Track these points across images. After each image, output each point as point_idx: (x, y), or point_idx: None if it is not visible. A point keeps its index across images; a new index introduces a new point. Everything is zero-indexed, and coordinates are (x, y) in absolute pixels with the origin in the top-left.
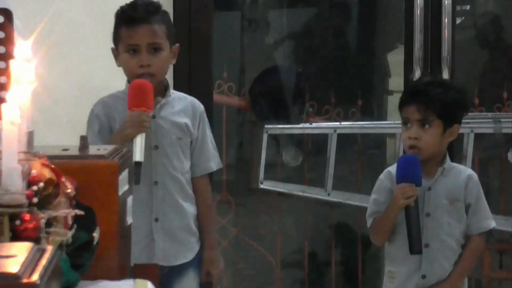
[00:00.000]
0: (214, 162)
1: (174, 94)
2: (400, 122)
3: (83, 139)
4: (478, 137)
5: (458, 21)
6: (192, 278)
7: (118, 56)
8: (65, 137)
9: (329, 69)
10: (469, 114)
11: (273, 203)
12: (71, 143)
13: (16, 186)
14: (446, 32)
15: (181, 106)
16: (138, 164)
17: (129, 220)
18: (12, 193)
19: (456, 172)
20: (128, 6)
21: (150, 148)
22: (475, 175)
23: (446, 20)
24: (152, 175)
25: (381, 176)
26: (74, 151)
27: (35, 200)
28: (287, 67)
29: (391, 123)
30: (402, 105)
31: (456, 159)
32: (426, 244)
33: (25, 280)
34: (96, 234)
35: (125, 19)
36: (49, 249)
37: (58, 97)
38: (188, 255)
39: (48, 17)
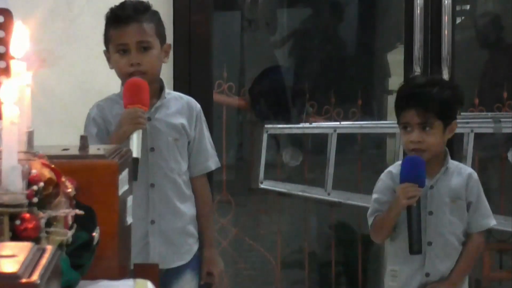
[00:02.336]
0: (212, 162)
1: (170, 94)
2: None
3: (83, 139)
4: (478, 137)
5: (458, 21)
6: (190, 280)
7: (109, 58)
8: (65, 137)
9: (329, 69)
10: (469, 114)
11: (273, 203)
12: (71, 143)
13: (16, 186)
14: (446, 32)
15: (177, 106)
16: (135, 160)
17: (129, 220)
18: (12, 193)
19: (457, 171)
20: (117, 6)
21: (146, 150)
22: (475, 174)
23: (446, 20)
24: (148, 177)
25: (382, 176)
26: (74, 151)
27: (35, 200)
28: (287, 67)
29: (391, 123)
30: (400, 109)
31: (456, 159)
32: (429, 242)
33: (25, 280)
34: (96, 234)
35: (113, 19)
36: (49, 249)
37: (58, 97)
38: (186, 257)
39: (48, 17)
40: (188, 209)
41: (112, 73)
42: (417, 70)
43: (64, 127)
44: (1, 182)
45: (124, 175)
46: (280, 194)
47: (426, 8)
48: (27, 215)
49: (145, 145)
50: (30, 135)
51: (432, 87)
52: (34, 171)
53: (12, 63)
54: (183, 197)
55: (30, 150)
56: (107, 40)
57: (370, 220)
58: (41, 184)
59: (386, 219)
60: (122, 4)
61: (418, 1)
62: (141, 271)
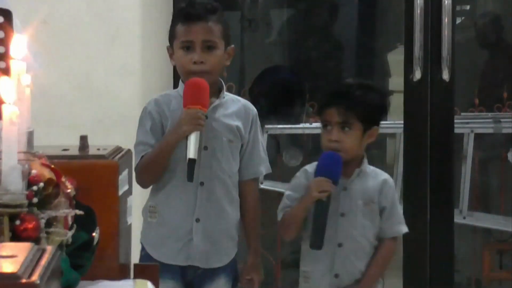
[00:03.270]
0: (263, 167)
1: (227, 96)
2: (401, 122)
3: (83, 139)
4: (478, 137)
5: (458, 21)
6: (224, 283)
7: (172, 55)
8: (65, 137)
9: (329, 69)
10: (469, 114)
11: (273, 203)
12: (71, 143)
13: (16, 186)
14: (446, 32)
15: (234, 108)
16: (191, 161)
17: (129, 220)
18: (12, 193)
19: (373, 175)
20: (187, 4)
21: (199, 148)
22: (391, 180)
23: (446, 20)
24: (198, 176)
25: (298, 174)
26: (74, 151)
27: (35, 200)
28: (287, 67)
29: (391, 123)
30: (323, 107)
31: (456, 159)
32: (339, 244)
33: (25, 280)
34: (96, 234)
35: (182, 16)
36: (49, 249)
37: (58, 97)
38: (224, 260)
39: (48, 17)
40: (234, 211)
41: (112, 73)
42: (417, 70)
43: (64, 127)
44: (1, 182)
45: (124, 175)
46: (280, 194)
47: (426, 8)
48: (27, 216)
49: (200, 144)
50: (30, 135)
51: (357, 89)
52: (34, 171)
53: (12, 63)
54: (231, 199)
55: (30, 150)
56: (172, 36)
57: (279, 216)
58: (41, 184)
59: (294, 213)
60: (192, 2)
61: (418, 1)
62: (141, 271)
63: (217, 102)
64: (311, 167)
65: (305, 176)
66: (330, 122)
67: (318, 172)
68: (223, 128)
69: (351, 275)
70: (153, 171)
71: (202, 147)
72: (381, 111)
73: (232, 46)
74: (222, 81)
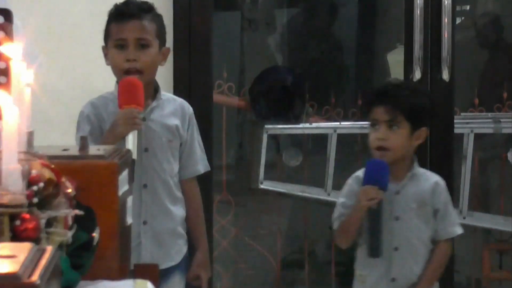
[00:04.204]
0: (202, 165)
1: (164, 96)
2: None
3: (83, 139)
4: (478, 137)
5: (458, 21)
6: (179, 281)
7: (107, 55)
8: (65, 137)
9: (329, 69)
10: (469, 114)
11: (273, 203)
12: (71, 143)
13: (16, 186)
14: (446, 32)
15: (171, 108)
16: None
17: (129, 220)
18: (12, 193)
19: (424, 178)
20: (121, 3)
21: (140, 150)
22: (442, 182)
23: (446, 20)
24: (141, 178)
25: (349, 180)
26: (74, 151)
27: (35, 200)
28: (287, 67)
29: None
30: (370, 106)
31: (456, 159)
32: (395, 248)
33: (25, 280)
34: (96, 234)
35: (115, 15)
36: (49, 249)
37: (58, 97)
38: (176, 258)
39: (48, 17)
40: (178, 210)
41: (112, 73)
42: (417, 70)
43: (64, 127)
44: (1, 182)
45: (124, 175)
46: (280, 194)
47: (426, 8)
48: (27, 216)
49: (139, 146)
50: (30, 135)
51: (405, 89)
52: (34, 172)
53: (12, 63)
54: (174, 199)
55: (30, 150)
56: (106, 35)
57: (335, 224)
58: (41, 184)
59: (349, 222)
60: (126, 1)
61: (418, 1)
62: (141, 271)
63: (154, 103)
64: (362, 172)
65: (357, 182)
66: (378, 121)
67: (365, 181)
68: (162, 129)
69: (408, 279)
70: None
71: (143, 149)
72: (429, 113)
73: (168, 47)
74: (157, 82)
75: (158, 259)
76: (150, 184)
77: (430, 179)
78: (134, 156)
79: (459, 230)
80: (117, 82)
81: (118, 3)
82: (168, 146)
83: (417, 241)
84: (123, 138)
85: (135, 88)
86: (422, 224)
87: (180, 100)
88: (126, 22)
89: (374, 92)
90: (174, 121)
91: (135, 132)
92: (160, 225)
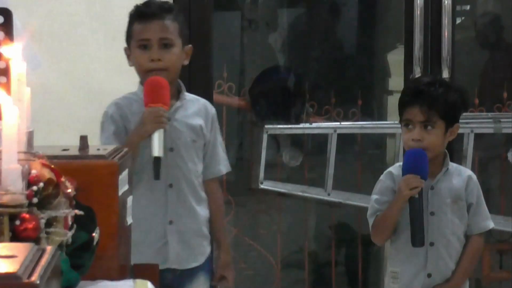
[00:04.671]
0: (223, 166)
1: (187, 96)
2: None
3: (83, 139)
4: (478, 137)
5: (458, 21)
6: (203, 282)
7: (130, 56)
8: (65, 137)
9: (329, 69)
10: (469, 114)
11: (273, 203)
12: (71, 143)
13: (16, 186)
14: (446, 32)
15: (194, 108)
16: (157, 159)
17: (129, 220)
18: (12, 193)
19: (457, 172)
20: (142, 4)
21: (165, 150)
22: (474, 176)
23: (446, 20)
24: (167, 177)
25: (382, 177)
26: (74, 151)
27: (35, 200)
28: (287, 67)
29: (391, 123)
30: (404, 106)
31: (456, 159)
32: (431, 243)
33: (25, 280)
34: (96, 234)
35: (138, 15)
36: (49, 249)
37: (58, 97)
38: (200, 259)
39: (48, 17)
40: (203, 210)
41: (112, 73)
42: (417, 70)
43: (64, 127)
44: (1, 182)
45: (124, 175)
46: (280, 194)
47: (426, 8)
48: (27, 216)
49: (164, 145)
50: (30, 135)
51: (439, 87)
52: (34, 172)
53: (12, 63)
54: (199, 198)
55: (30, 150)
56: (129, 36)
57: (370, 221)
58: (41, 184)
59: (388, 215)
60: (147, 1)
61: (418, 1)
62: (141, 271)
63: (178, 103)
64: (395, 169)
65: (391, 178)
66: (412, 121)
67: (405, 170)
68: (187, 129)
69: (443, 274)
70: None
71: (168, 149)
72: (462, 108)
73: (190, 45)
74: (181, 82)
75: (183, 259)
76: (176, 184)
77: (463, 173)
78: (158, 154)
79: (491, 224)
80: (141, 82)
81: (138, 4)
82: (192, 146)
83: (452, 236)
84: (148, 137)
85: (161, 87)
86: (457, 219)
87: (203, 100)
88: (149, 23)
89: (408, 92)
90: (198, 121)
91: (161, 130)
92: (186, 225)
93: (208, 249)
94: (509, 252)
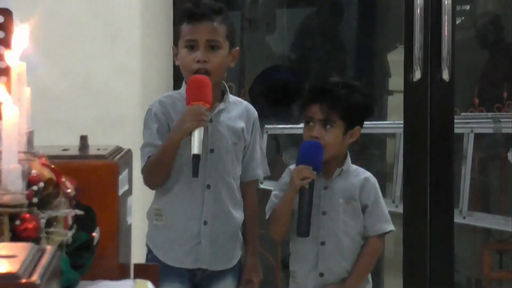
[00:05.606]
0: (262, 170)
1: (231, 99)
2: (401, 122)
3: (83, 139)
4: (478, 137)
5: (458, 21)
6: (230, 284)
7: (177, 55)
8: (65, 137)
9: (329, 69)
10: (469, 114)
11: None
12: (71, 143)
13: (16, 186)
14: (446, 32)
15: (237, 111)
16: (196, 157)
17: (129, 220)
18: (12, 193)
19: (355, 174)
20: (193, 4)
21: (206, 151)
22: (373, 178)
23: (446, 20)
24: (205, 178)
25: (283, 174)
26: (74, 151)
27: (35, 200)
28: (287, 67)
29: (391, 123)
30: (306, 103)
31: (456, 159)
32: (322, 242)
33: (25, 280)
34: (96, 234)
35: (187, 15)
36: (49, 249)
37: (58, 97)
38: (232, 261)
39: (48, 17)
40: (239, 214)
41: (112, 73)
42: (417, 70)
43: (64, 127)
44: (1, 182)
45: (124, 175)
46: None
47: (426, 8)
48: (27, 215)
49: (205, 146)
50: (30, 135)
51: (342, 88)
52: (34, 171)
53: (12, 63)
54: (236, 202)
55: (30, 150)
56: (177, 35)
57: (268, 215)
58: (41, 184)
59: (282, 205)
60: (198, 2)
61: (418, 1)
62: (141, 271)
63: (221, 105)
64: (294, 165)
65: (289, 174)
66: (312, 119)
67: (298, 161)
68: (228, 131)
69: (336, 274)
70: (159, 171)
71: (209, 150)
72: (365, 112)
73: (237, 48)
74: (226, 85)
75: (215, 261)
76: (214, 185)
77: (360, 175)
78: (198, 151)
79: (388, 227)
80: (185, 82)
81: (189, 4)
82: (233, 148)
83: (344, 236)
84: (189, 134)
85: (203, 85)
86: (350, 220)
87: (245, 103)
88: (197, 23)
89: (310, 90)
90: (240, 124)
91: (201, 128)
92: (221, 227)
93: (240, 252)
94: (509, 252)
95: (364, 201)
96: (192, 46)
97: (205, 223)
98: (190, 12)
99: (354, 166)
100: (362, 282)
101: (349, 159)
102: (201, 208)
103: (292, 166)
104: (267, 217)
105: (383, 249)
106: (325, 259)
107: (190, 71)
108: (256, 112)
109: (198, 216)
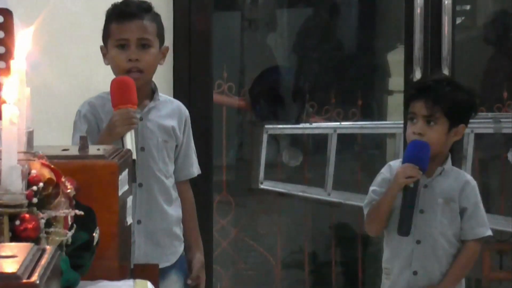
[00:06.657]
0: (195, 168)
1: (161, 97)
2: (401, 122)
3: (83, 139)
4: (478, 137)
5: (458, 21)
6: (175, 281)
7: (106, 54)
8: (65, 137)
9: (329, 69)
10: None
11: (273, 203)
12: (71, 143)
13: (16, 186)
14: (446, 32)
15: (168, 109)
16: (132, 162)
17: (129, 220)
18: (12, 193)
19: (455, 175)
20: (120, 3)
21: (136, 149)
22: (473, 182)
23: (446, 20)
24: (137, 177)
25: (382, 170)
26: (74, 151)
27: (35, 200)
28: (287, 67)
29: (391, 123)
30: (410, 100)
31: (456, 159)
32: (417, 241)
33: (25, 280)
34: (96, 234)
35: (116, 15)
36: (49, 249)
37: (58, 97)
38: (171, 259)
39: (47, 17)
40: (174, 211)
41: (112, 73)
42: (417, 70)
43: (64, 127)
44: (1, 182)
45: (124, 175)
46: (280, 194)
47: (426, 8)
48: (27, 216)
49: (136, 145)
50: (30, 135)
51: (446, 85)
52: (34, 171)
53: (12, 63)
54: (170, 199)
55: (30, 150)
56: (106, 35)
57: (365, 211)
58: (41, 184)
59: (381, 202)
60: (126, 1)
61: (418, 1)
62: (141, 271)
63: (151, 104)
64: (395, 162)
65: (389, 171)
66: (416, 115)
67: (405, 159)
68: (158, 129)
69: (429, 273)
70: None
71: (139, 148)
72: (469, 110)
73: (167, 46)
74: (155, 83)
75: (152, 259)
76: (146, 183)
77: (461, 177)
78: (134, 156)
79: (487, 232)
80: None
81: (116, 3)
82: (164, 146)
83: (440, 236)
84: (120, 139)
85: (127, 87)
86: (446, 220)
87: (177, 102)
88: (128, 22)
89: (415, 86)
90: (171, 122)
91: (133, 131)
92: (155, 225)
93: (180, 249)
94: (509, 252)
95: (464, 203)
96: (123, 45)
97: (139, 222)
98: (119, 11)
99: (454, 168)
100: (457, 285)
101: (450, 159)
102: (134, 207)
103: (392, 162)
104: (365, 212)
105: (479, 254)
106: (420, 258)
107: (122, 70)
108: (187, 111)
109: (132, 215)
